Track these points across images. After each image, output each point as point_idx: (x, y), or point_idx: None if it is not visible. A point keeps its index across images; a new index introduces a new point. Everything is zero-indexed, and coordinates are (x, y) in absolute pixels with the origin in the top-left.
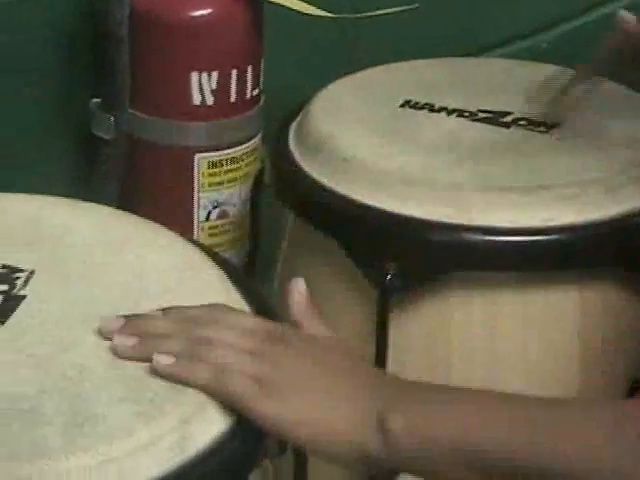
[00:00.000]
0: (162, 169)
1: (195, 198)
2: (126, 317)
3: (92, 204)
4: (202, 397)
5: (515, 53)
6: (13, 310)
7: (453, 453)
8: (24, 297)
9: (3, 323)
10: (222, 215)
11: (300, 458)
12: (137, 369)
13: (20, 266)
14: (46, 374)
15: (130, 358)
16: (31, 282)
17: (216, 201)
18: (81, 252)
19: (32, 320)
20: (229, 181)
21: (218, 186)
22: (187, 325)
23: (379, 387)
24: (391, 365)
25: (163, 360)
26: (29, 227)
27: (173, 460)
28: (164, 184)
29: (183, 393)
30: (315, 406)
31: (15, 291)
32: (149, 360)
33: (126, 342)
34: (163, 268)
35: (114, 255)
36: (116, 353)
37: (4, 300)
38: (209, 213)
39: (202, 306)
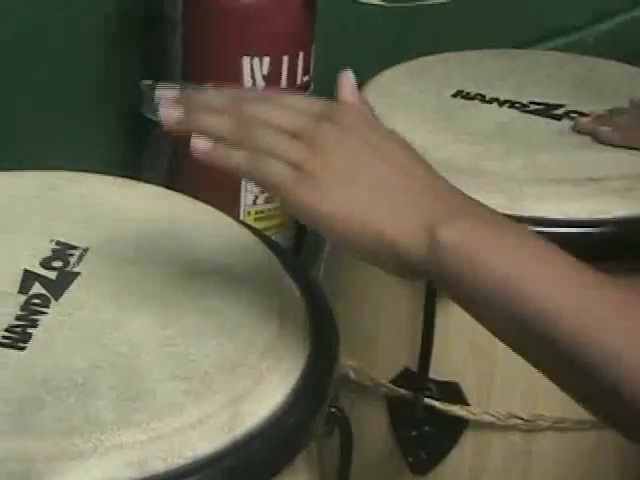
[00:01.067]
0: None
1: (243, 182)
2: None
3: (147, 184)
4: (255, 374)
5: (563, 46)
6: (67, 287)
7: (493, 290)
8: (78, 274)
9: (57, 299)
10: (269, 200)
11: (346, 441)
12: (189, 347)
13: (74, 243)
14: (99, 350)
15: (173, 130)
16: (85, 259)
17: None
18: (135, 231)
19: (85, 297)
20: None
21: None
22: (236, 103)
23: (440, 193)
24: (435, 358)
25: (200, 145)
26: (84, 205)
27: (222, 439)
28: (212, 168)
29: (233, 373)
30: (359, 202)
31: (69, 268)
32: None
33: (172, 112)
34: (216, 249)
35: (168, 235)
36: (162, 122)
37: (58, 276)
38: (256, 197)
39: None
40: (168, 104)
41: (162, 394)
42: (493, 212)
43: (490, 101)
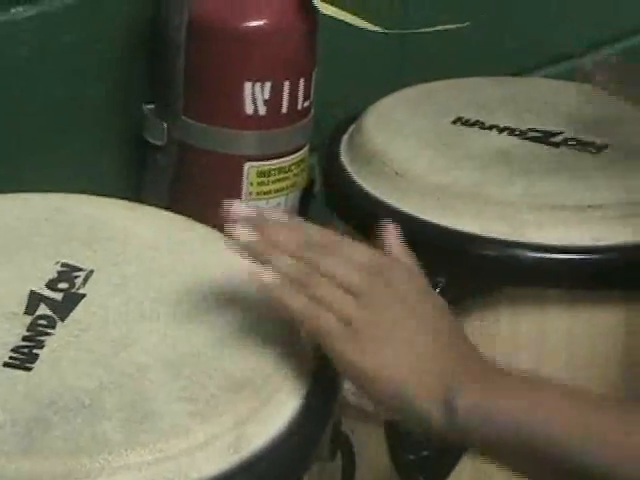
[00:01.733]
0: (212, 176)
1: None
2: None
3: (152, 208)
4: (259, 397)
5: (560, 74)
6: (73, 308)
7: (511, 440)
8: (84, 295)
9: (63, 320)
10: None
11: (349, 464)
12: (195, 369)
13: (80, 265)
14: (106, 370)
15: (241, 250)
16: (90, 281)
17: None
18: (140, 254)
19: (91, 318)
20: (277, 190)
21: (266, 195)
22: (303, 245)
23: (459, 361)
24: None
25: (267, 278)
26: (89, 227)
27: (228, 460)
28: (213, 191)
29: (239, 395)
30: (393, 364)
31: (75, 289)
32: (256, 261)
33: (246, 235)
34: (222, 271)
35: (173, 258)
36: (230, 237)
37: (64, 298)
38: None
39: (320, 229)
40: (245, 224)
41: (169, 415)
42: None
43: (490, 128)
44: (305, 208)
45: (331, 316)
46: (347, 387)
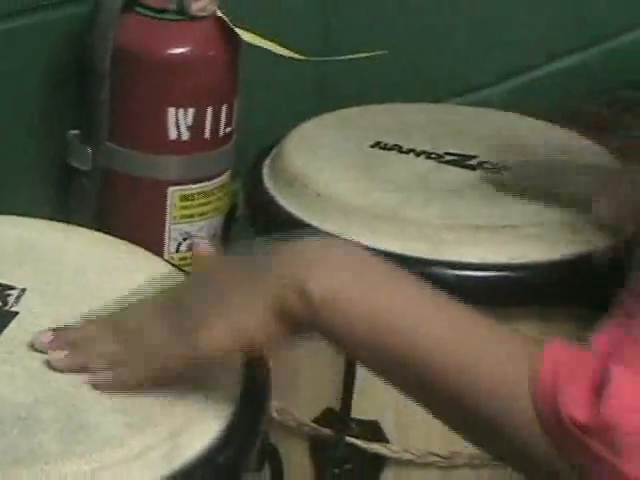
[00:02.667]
0: (136, 201)
1: (166, 230)
2: (54, 330)
3: (84, 229)
4: (191, 410)
5: (472, 104)
6: (6, 325)
7: (367, 332)
8: (17, 313)
9: None
10: (191, 247)
11: (277, 474)
12: None
13: (12, 284)
14: (41, 386)
15: (65, 369)
16: (23, 299)
17: (186, 233)
18: (73, 273)
19: (25, 335)
20: (200, 214)
21: (189, 219)
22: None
23: (298, 254)
24: (357, 398)
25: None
26: (21, 247)
27: (162, 470)
28: (137, 215)
29: (173, 406)
30: (231, 317)
31: (8, 307)
32: (84, 369)
33: (59, 355)
34: (149, 291)
35: (105, 277)
36: (51, 366)
37: None
38: (179, 245)
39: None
40: (52, 348)
41: (104, 427)
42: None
43: (407, 152)
44: (227, 231)
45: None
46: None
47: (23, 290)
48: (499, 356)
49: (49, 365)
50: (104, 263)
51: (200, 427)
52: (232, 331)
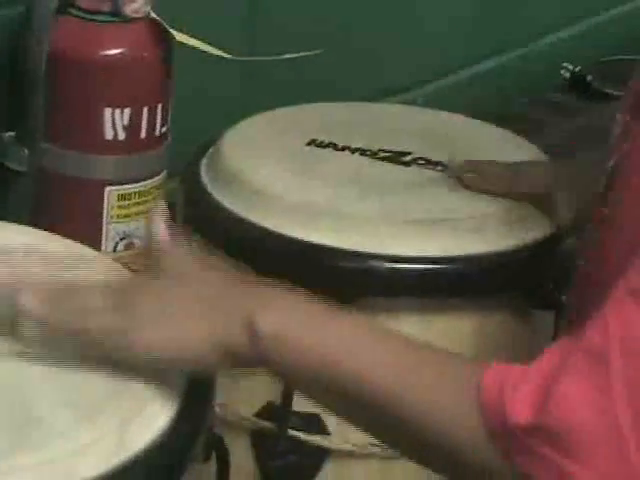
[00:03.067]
0: (73, 200)
1: (104, 229)
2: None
3: (28, 227)
4: (140, 399)
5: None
6: None
7: (315, 370)
8: None
9: None
10: (128, 246)
11: (223, 466)
12: (76, 379)
13: None
14: None
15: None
16: None
17: (124, 232)
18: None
19: None
20: (136, 214)
21: (126, 218)
22: (61, 296)
23: (250, 293)
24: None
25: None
26: None
27: (113, 460)
28: (75, 214)
29: (121, 396)
30: (173, 331)
31: None
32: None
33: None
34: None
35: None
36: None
37: None
38: (116, 244)
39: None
40: None
41: (53, 421)
42: (299, 295)
43: (342, 149)
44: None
45: (102, 335)
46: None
47: None
48: (439, 375)
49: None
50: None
51: (148, 418)
52: (169, 342)
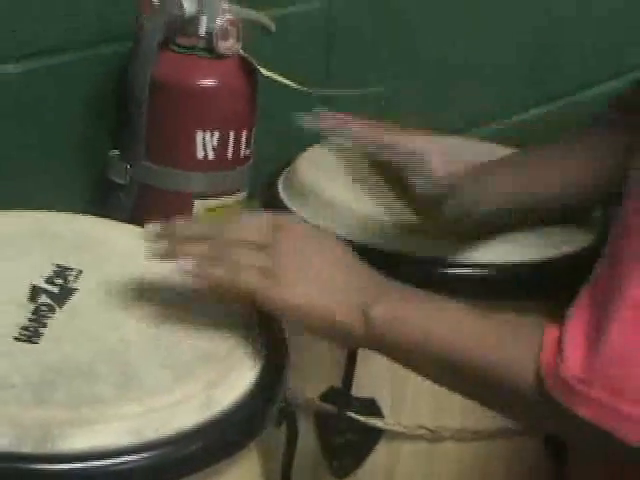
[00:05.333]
0: (166, 211)
1: None
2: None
3: (129, 225)
4: (224, 368)
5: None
6: (68, 298)
7: (420, 346)
8: (76, 289)
9: (60, 307)
10: None
11: (292, 430)
12: (173, 342)
13: (71, 266)
14: (98, 345)
15: (162, 258)
16: (80, 278)
17: None
18: (120, 257)
19: (83, 306)
20: None
21: None
22: (209, 230)
23: (368, 282)
24: (356, 378)
25: (186, 266)
26: (76, 237)
27: (201, 415)
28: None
29: (210, 361)
30: (314, 293)
31: (68, 284)
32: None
33: (159, 246)
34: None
35: (144, 261)
36: (150, 254)
37: (60, 290)
38: None
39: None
40: (155, 239)
41: (152, 378)
42: (407, 287)
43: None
44: None
45: (250, 272)
46: None
47: (80, 271)
48: (510, 343)
49: (111, 331)
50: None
51: (233, 380)
52: (317, 301)
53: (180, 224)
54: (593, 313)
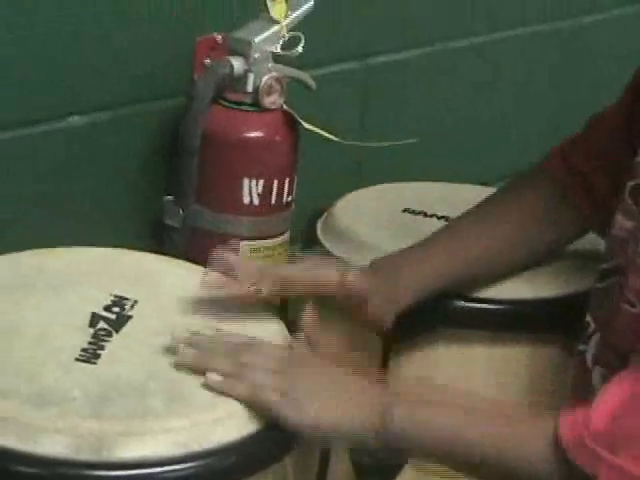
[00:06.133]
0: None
1: None
2: (193, 334)
3: (181, 260)
4: None
5: None
6: (124, 324)
7: (436, 442)
8: (131, 317)
9: (117, 332)
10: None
11: (324, 453)
12: None
13: (127, 296)
14: (150, 367)
15: (189, 367)
16: (136, 307)
17: None
18: (171, 289)
19: (138, 332)
20: None
21: None
22: (234, 349)
23: (382, 393)
24: None
25: (214, 377)
26: (133, 270)
27: (243, 431)
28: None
29: None
30: (328, 411)
31: (125, 312)
32: (202, 371)
33: (188, 354)
34: (233, 305)
35: (196, 292)
36: (178, 360)
37: (117, 317)
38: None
39: (245, 336)
40: (185, 347)
41: (198, 397)
42: (420, 388)
43: (431, 216)
44: None
45: (268, 392)
46: None
47: (135, 301)
48: (523, 432)
49: (161, 354)
50: (194, 283)
51: None
52: (331, 414)
53: (209, 338)
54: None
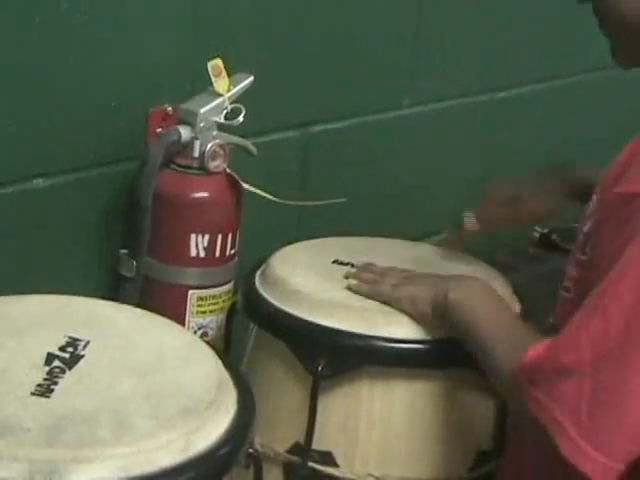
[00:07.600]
0: (165, 299)
1: (186, 321)
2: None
3: (130, 306)
4: (203, 418)
5: None
6: (77, 362)
7: (469, 326)
8: (84, 356)
9: (70, 369)
10: (204, 335)
11: (258, 472)
12: (159, 400)
13: (80, 337)
14: (100, 400)
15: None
16: (88, 347)
17: (201, 324)
18: (121, 331)
19: (89, 369)
20: (210, 311)
21: (203, 314)
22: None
23: (448, 280)
24: (317, 434)
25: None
26: (86, 315)
27: (180, 457)
28: (167, 309)
29: (190, 414)
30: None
31: (78, 352)
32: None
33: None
34: (178, 346)
35: (143, 335)
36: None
37: (70, 356)
38: (195, 333)
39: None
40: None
41: (143, 427)
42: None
43: (357, 266)
44: (230, 321)
45: (393, 289)
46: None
47: (88, 342)
48: (515, 343)
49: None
50: (143, 326)
51: (208, 430)
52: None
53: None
54: None
